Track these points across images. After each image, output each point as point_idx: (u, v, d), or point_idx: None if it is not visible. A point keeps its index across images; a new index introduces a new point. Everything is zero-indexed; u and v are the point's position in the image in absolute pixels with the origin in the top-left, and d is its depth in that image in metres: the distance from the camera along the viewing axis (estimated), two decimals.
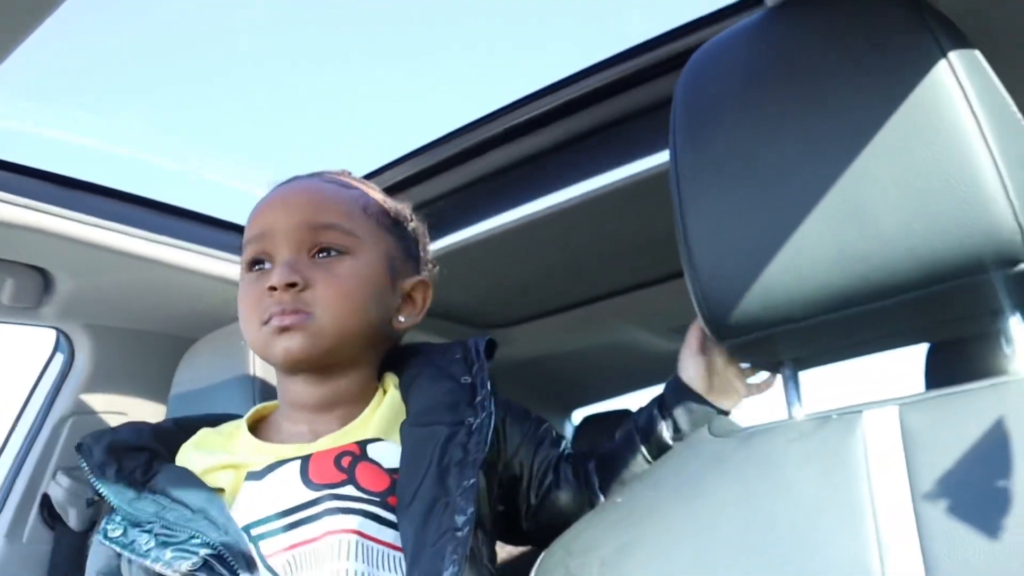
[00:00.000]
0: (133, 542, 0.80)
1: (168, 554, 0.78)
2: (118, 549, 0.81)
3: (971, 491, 0.58)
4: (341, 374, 0.92)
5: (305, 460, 0.85)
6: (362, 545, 0.80)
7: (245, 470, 0.86)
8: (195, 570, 0.76)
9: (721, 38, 0.78)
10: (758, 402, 0.91)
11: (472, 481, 0.79)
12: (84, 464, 0.88)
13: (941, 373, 1.30)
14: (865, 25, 0.69)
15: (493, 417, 0.85)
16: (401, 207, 1.01)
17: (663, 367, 2.05)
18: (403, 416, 0.89)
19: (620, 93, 1.14)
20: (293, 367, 0.90)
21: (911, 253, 0.64)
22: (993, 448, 0.59)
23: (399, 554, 0.80)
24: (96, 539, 0.85)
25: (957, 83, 0.64)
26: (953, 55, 0.65)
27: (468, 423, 0.84)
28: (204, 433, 0.94)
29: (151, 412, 1.58)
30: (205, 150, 1.61)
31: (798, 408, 0.75)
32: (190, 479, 0.86)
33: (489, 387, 0.87)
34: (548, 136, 1.23)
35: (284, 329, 0.87)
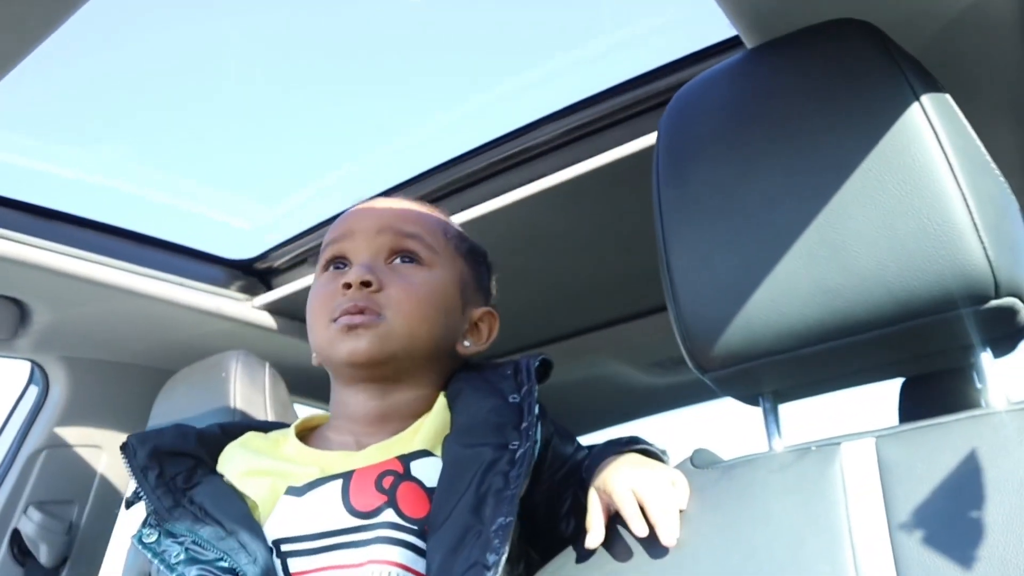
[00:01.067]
0: (164, 552, 0.79)
1: (194, 572, 0.77)
2: (149, 556, 0.80)
3: (946, 522, 0.59)
4: (400, 388, 0.90)
5: (347, 480, 0.83)
6: None
7: (286, 483, 0.85)
8: None
9: (703, 78, 0.80)
10: (739, 434, 0.90)
11: (509, 520, 0.75)
12: (127, 464, 0.88)
13: (915, 407, 1.32)
14: (840, 67, 0.71)
15: (537, 446, 0.82)
16: (480, 246, 1.02)
17: (644, 401, 2.07)
18: (448, 429, 0.87)
19: (603, 131, 1.16)
20: (356, 369, 0.89)
21: (886, 289, 0.66)
22: (967, 479, 0.61)
23: None
24: (132, 540, 0.84)
25: (928, 124, 0.66)
26: (925, 97, 0.67)
27: (512, 449, 0.81)
28: (251, 436, 0.93)
29: None
30: (187, 181, 1.61)
31: (778, 440, 0.76)
32: (229, 496, 0.85)
33: (536, 412, 0.84)
34: (530, 172, 1.25)
35: (352, 328, 0.86)
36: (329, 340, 0.88)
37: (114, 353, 1.51)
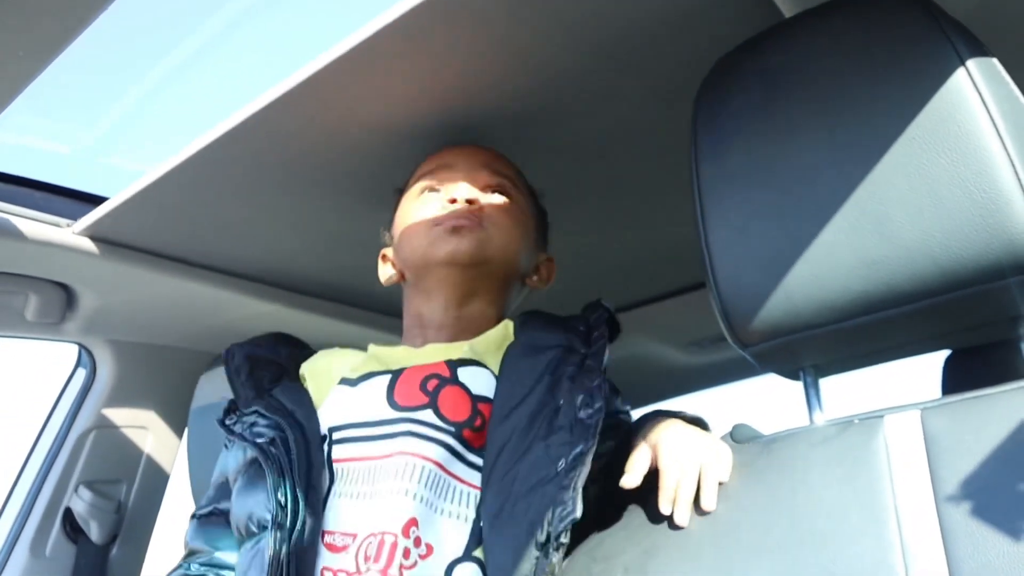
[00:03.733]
0: (234, 424, 0.92)
1: (258, 439, 0.86)
2: (226, 433, 0.92)
3: (994, 494, 0.59)
4: (475, 300, 0.98)
5: (395, 376, 0.91)
6: (431, 472, 0.81)
7: (341, 374, 0.95)
8: (264, 449, 0.85)
9: (739, 49, 0.79)
10: (774, 415, 0.91)
11: (598, 406, 0.79)
12: (225, 367, 1.01)
13: (960, 379, 1.30)
14: (881, 33, 0.70)
15: (605, 387, 0.83)
16: (544, 208, 1.12)
17: (682, 381, 2.06)
18: (504, 349, 0.92)
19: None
20: (452, 268, 0.95)
21: (931, 259, 0.65)
22: (1015, 451, 0.60)
23: (471, 491, 0.82)
24: (216, 421, 0.96)
25: (975, 90, 0.64)
26: (971, 62, 0.65)
27: (582, 353, 0.88)
28: (336, 348, 1.04)
29: (171, 425, 1.60)
30: None
31: (819, 414, 0.75)
32: (300, 391, 0.96)
33: (606, 356, 0.88)
34: None
35: (457, 229, 0.95)
36: (432, 241, 0.96)
37: (159, 336, 1.54)
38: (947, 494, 0.60)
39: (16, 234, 1.18)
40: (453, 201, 0.96)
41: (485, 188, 1.00)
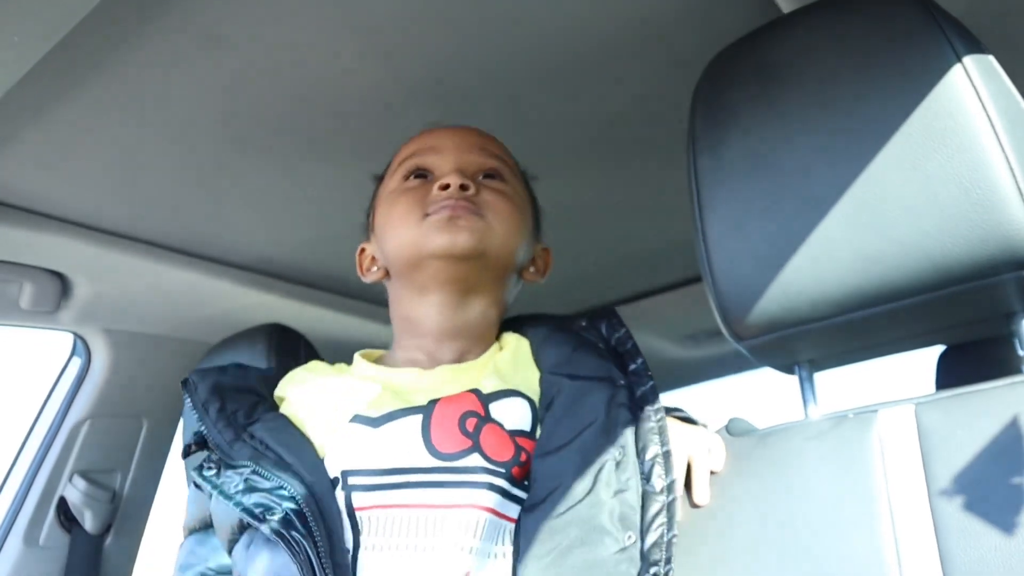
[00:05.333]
0: (223, 483, 0.78)
1: (252, 500, 0.74)
2: (208, 488, 0.79)
3: (987, 488, 0.59)
4: (473, 299, 0.88)
5: (427, 416, 0.80)
6: (489, 521, 0.74)
7: (351, 405, 0.82)
8: (277, 522, 0.73)
9: (737, 43, 0.79)
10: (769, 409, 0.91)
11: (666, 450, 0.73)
12: (188, 399, 0.87)
13: (954, 375, 1.30)
14: (878, 30, 0.70)
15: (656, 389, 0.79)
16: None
17: (677, 374, 2.06)
18: (529, 371, 0.86)
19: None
20: (448, 263, 0.85)
21: (925, 255, 0.65)
22: (1008, 446, 0.60)
23: (512, 526, 0.74)
24: (191, 476, 0.83)
25: (971, 87, 0.65)
26: (967, 59, 0.66)
27: (622, 385, 0.79)
28: (316, 362, 0.93)
29: (166, 415, 1.60)
30: None
31: (814, 409, 0.76)
32: (288, 428, 0.82)
33: (639, 353, 0.83)
34: None
35: (454, 219, 0.83)
36: (423, 234, 0.85)
37: (154, 325, 1.54)
38: (940, 488, 0.61)
39: (10, 222, 1.17)
40: (445, 187, 0.85)
41: (479, 172, 0.90)
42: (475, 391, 0.82)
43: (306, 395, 0.87)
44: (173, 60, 0.91)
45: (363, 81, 1.00)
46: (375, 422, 0.80)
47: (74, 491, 1.46)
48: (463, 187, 0.85)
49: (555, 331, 0.88)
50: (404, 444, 0.78)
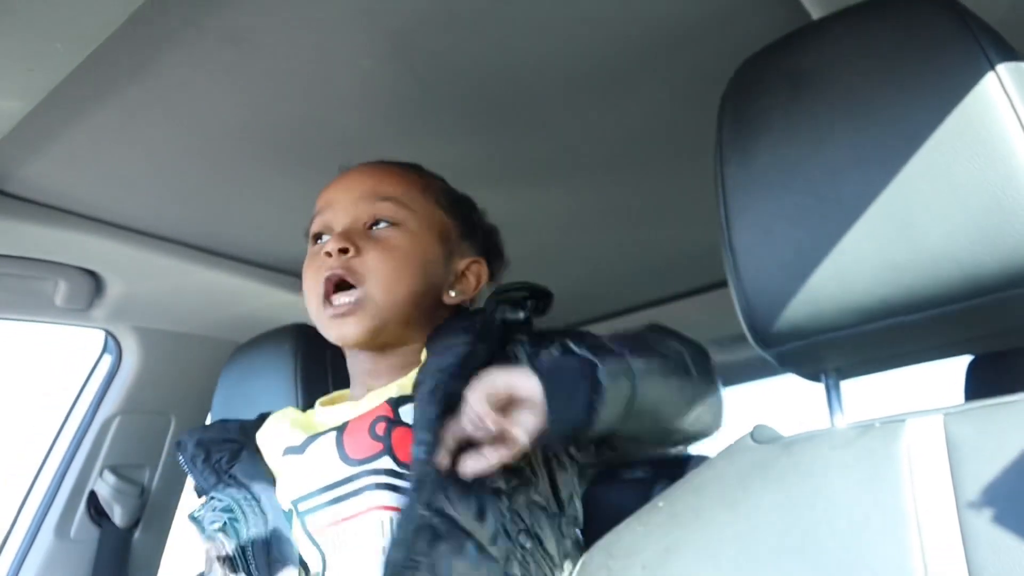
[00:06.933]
0: (202, 519, 0.90)
1: (224, 534, 0.87)
2: (195, 527, 0.90)
3: (1016, 501, 0.58)
4: (393, 347, 0.95)
5: (341, 431, 0.88)
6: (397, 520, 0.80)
7: (284, 445, 0.92)
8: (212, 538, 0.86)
9: (766, 49, 0.79)
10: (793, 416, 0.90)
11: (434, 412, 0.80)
12: (180, 457, 1.00)
13: (983, 385, 1.29)
14: (910, 36, 0.69)
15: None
16: (466, 197, 1.05)
17: None
18: None
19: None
20: (351, 347, 0.97)
21: (956, 264, 0.65)
22: None
23: None
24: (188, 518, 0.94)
25: (1004, 94, 0.64)
26: (1001, 67, 0.65)
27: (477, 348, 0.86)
28: (289, 409, 1.02)
29: (195, 412, 1.62)
30: None
31: (840, 418, 0.75)
32: (258, 466, 0.95)
33: (493, 320, 0.90)
34: None
35: (338, 315, 0.91)
36: (323, 325, 0.95)
37: (183, 324, 1.56)
38: (969, 500, 0.60)
39: (46, 221, 1.20)
40: (329, 255, 0.92)
41: (369, 222, 0.94)
42: (388, 399, 0.89)
43: (263, 437, 0.98)
44: (202, 63, 0.93)
45: (387, 85, 1.01)
46: (299, 449, 0.90)
47: (104, 485, 1.49)
48: (342, 251, 0.91)
49: (445, 327, 0.93)
50: (323, 461, 0.87)
